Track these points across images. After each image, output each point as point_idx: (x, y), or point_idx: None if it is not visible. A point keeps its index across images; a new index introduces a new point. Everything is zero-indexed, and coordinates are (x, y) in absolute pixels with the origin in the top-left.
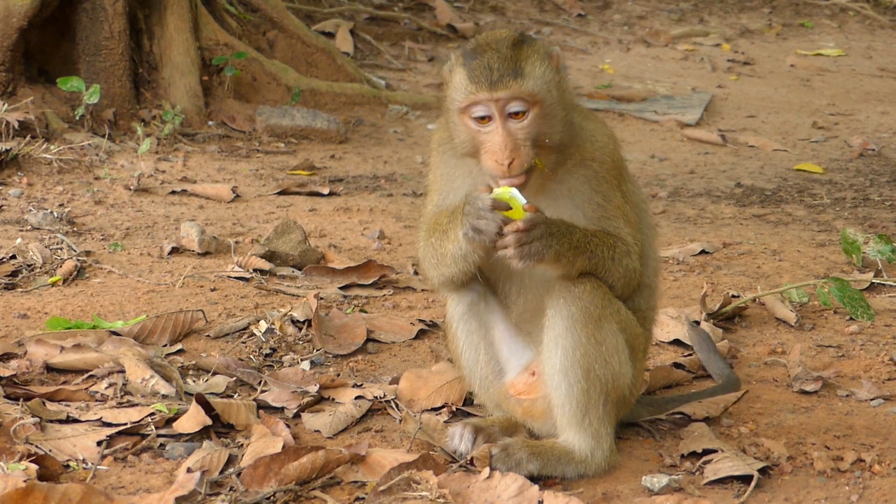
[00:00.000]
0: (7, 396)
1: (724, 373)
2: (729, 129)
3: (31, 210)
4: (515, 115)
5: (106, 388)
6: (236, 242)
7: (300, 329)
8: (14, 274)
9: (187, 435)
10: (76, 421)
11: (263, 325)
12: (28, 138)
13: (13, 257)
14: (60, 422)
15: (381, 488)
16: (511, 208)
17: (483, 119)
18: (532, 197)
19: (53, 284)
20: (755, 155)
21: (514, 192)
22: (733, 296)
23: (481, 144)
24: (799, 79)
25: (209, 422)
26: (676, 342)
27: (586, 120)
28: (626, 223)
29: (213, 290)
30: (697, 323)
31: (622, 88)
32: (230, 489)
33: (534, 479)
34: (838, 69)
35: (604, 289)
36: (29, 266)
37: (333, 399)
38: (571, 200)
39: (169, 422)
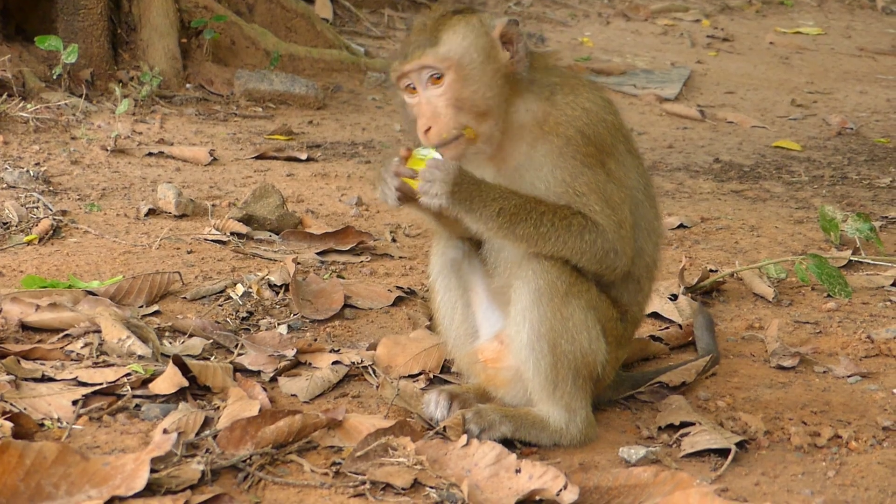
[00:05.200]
0: None
1: (709, 349)
2: (708, 105)
3: (6, 168)
4: (435, 82)
5: (81, 347)
6: (213, 205)
7: (277, 293)
8: None
9: (163, 396)
10: (51, 380)
11: (240, 289)
12: (4, 96)
13: None
14: (35, 380)
15: (358, 453)
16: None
17: (410, 89)
18: (491, 172)
19: (29, 243)
20: (734, 131)
21: (436, 155)
22: (711, 270)
23: (416, 116)
24: (778, 56)
25: (185, 383)
26: (654, 315)
27: (572, 92)
28: (599, 200)
29: (189, 252)
30: (675, 297)
31: (601, 62)
32: (206, 451)
33: (511, 447)
34: (817, 48)
35: (571, 266)
36: (4, 224)
37: (310, 364)
38: (537, 175)
39: (145, 383)
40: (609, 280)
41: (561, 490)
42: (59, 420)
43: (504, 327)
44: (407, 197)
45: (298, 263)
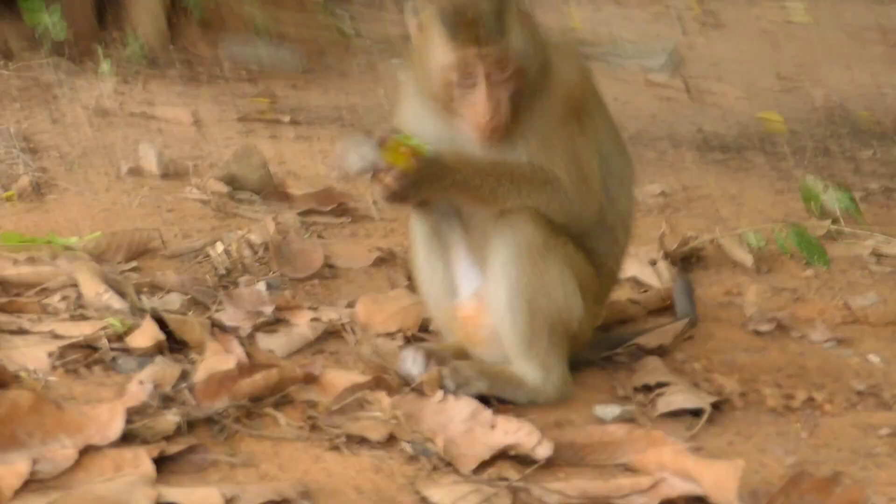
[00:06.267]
0: None
1: (687, 313)
2: (692, 77)
3: None
4: (499, 73)
5: (59, 301)
6: (195, 165)
7: (257, 252)
8: None
9: (140, 350)
10: (28, 332)
11: (220, 247)
12: None
13: None
14: (11, 332)
15: (334, 408)
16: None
17: (467, 76)
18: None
19: (8, 199)
20: (717, 103)
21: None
22: (691, 237)
23: (461, 102)
24: (763, 31)
25: (163, 337)
26: (633, 279)
27: (555, 55)
28: (564, 154)
29: (169, 211)
30: (654, 262)
31: (588, 32)
32: (182, 403)
33: (487, 404)
34: (806, 32)
35: (547, 221)
36: None
37: (288, 321)
38: (520, 133)
39: (122, 336)
40: (576, 231)
41: (535, 445)
42: (34, 371)
43: (482, 285)
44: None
45: (279, 223)
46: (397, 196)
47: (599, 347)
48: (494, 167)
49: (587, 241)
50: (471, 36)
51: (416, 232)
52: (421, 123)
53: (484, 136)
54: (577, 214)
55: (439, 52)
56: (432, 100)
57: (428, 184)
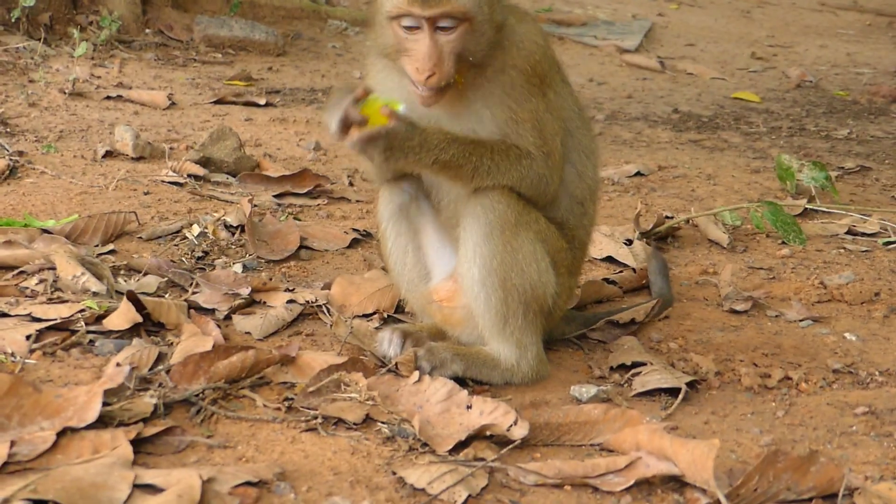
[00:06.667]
0: None
1: (662, 293)
2: (668, 57)
3: None
4: (444, 29)
5: (36, 284)
6: (171, 148)
7: (233, 234)
8: None
9: (117, 332)
10: (5, 315)
11: (196, 229)
12: None
13: None
14: None
15: (311, 389)
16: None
17: (412, 28)
18: (448, 104)
19: None
20: (693, 82)
21: (401, 108)
22: (667, 216)
23: (406, 51)
24: (739, 10)
25: (140, 319)
26: (609, 259)
27: (520, 23)
28: (532, 129)
29: (146, 193)
30: (630, 242)
31: (563, 13)
32: (159, 385)
33: (463, 385)
34: (779, 2)
35: (518, 197)
36: None
37: (265, 302)
38: (485, 104)
39: (99, 319)
40: (542, 205)
41: (511, 426)
42: (12, 354)
43: (456, 265)
44: (345, 129)
45: (255, 205)
46: (370, 152)
47: (574, 323)
48: (471, 141)
49: (558, 215)
50: None
51: (385, 219)
52: (384, 86)
53: (420, 84)
54: (544, 190)
55: (388, 4)
56: (387, 58)
57: (402, 143)
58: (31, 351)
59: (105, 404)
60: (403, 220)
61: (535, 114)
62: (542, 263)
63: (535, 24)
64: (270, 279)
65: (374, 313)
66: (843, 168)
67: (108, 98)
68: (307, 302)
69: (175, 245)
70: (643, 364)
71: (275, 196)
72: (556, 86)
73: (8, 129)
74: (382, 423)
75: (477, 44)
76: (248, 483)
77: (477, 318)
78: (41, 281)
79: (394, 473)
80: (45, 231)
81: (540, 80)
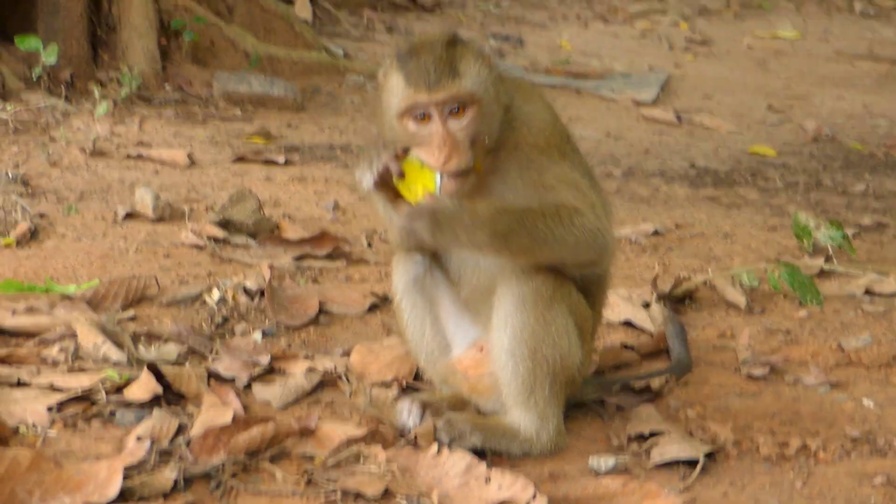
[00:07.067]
0: None
1: (681, 358)
2: (684, 109)
3: None
4: (454, 114)
5: (57, 352)
6: (191, 209)
7: (253, 299)
8: None
9: (138, 402)
10: (27, 385)
11: (216, 294)
12: None
13: None
14: (11, 385)
15: (330, 462)
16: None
17: (423, 118)
18: (470, 195)
19: (7, 246)
20: (710, 136)
21: (437, 177)
22: (684, 278)
23: (420, 143)
24: (755, 60)
25: (160, 390)
26: (627, 323)
27: (526, 102)
28: (567, 188)
29: (166, 256)
30: (647, 305)
31: (580, 65)
32: (179, 458)
33: (482, 457)
34: (794, 52)
35: (556, 270)
36: None
37: (284, 370)
38: (509, 186)
39: (120, 389)
40: (605, 264)
41: (530, 500)
42: (34, 426)
43: (482, 334)
44: (381, 184)
45: (274, 268)
46: (418, 229)
47: (591, 387)
48: (519, 209)
49: (583, 281)
50: (423, 80)
51: (400, 291)
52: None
53: (439, 168)
54: (603, 243)
55: (396, 99)
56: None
57: (450, 220)
58: (53, 422)
59: (126, 478)
60: (419, 292)
61: (563, 175)
62: (572, 336)
63: (542, 101)
64: (290, 346)
65: (393, 381)
66: (860, 225)
67: (129, 157)
68: (326, 370)
69: (195, 310)
70: (661, 433)
71: (294, 258)
72: (571, 153)
73: (29, 190)
74: (401, 496)
75: (489, 125)
76: None
77: (502, 387)
78: (62, 349)
79: None
80: (66, 296)
81: (555, 149)
